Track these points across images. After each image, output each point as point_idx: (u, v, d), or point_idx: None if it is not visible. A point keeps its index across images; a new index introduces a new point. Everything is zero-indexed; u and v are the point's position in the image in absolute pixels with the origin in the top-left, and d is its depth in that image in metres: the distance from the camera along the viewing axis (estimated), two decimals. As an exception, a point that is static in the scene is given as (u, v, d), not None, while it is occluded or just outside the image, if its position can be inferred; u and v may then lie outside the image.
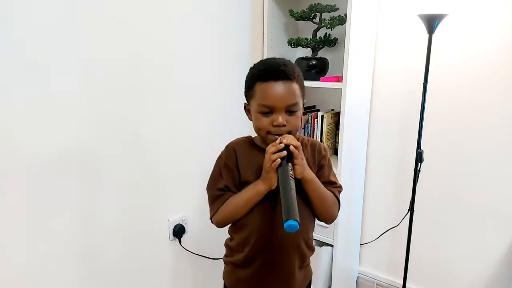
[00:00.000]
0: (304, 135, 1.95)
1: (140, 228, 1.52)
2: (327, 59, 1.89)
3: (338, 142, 1.83)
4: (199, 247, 1.74)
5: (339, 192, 1.16)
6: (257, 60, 1.85)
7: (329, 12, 1.79)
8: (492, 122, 1.65)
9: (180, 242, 1.66)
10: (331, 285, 1.89)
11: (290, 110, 0.99)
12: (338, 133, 1.78)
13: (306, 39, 1.86)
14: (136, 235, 1.50)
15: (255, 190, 1.01)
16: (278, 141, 0.97)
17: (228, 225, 1.13)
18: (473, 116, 1.68)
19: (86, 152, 1.29)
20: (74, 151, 1.25)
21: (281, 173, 0.94)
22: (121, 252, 1.46)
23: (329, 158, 1.16)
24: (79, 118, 1.25)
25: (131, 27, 1.36)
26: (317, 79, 1.82)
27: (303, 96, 1.04)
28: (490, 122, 1.65)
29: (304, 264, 1.14)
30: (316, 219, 1.14)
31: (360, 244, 2.10)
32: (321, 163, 1.13)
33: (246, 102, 1.07)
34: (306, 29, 1.99)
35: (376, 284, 2.08)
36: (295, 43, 1.89)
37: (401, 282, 1.83)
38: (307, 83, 1.81)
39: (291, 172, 0.94)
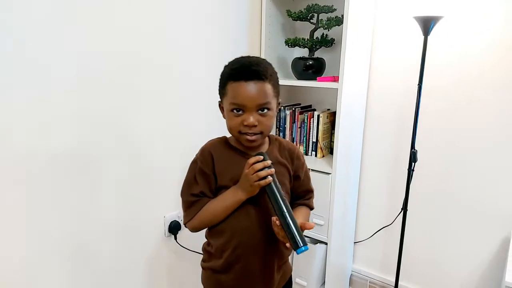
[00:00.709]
0: (300, 134, 1.97)
1: (136, 224, 1.53)
2: (323, 59, 1.91)
3: (333, 141, 1.84)
4: (194, 244, 1.75)
5: (313, 197, 1.21)
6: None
7: (326, 12, 1.81)
8: (486, 122, 1.67)
9: (175, 238, 1.67)
10: (324, 282, 1.91)
11: (261, 110, 0.98)
12: (334, 133, 1.80)
13: (303, 39, 1.88)
14: (132, 231, 1.52)
15: (236, 199, 1.01)
16: (260, 165, 0.96)
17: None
18: (467, 116, 1.71)
19: (82, 150, 1.30)
20: (70, 149, 1.26)
21: (273, 193, 0.95)
22: (117, 248, 1.47)
23: (306, 165, 1.17)
24: (76, 118, 1.26)
25: (130, 27, 1.37)
26: (314, 79, 1.85)
27: (276, 96, 1.03)
28: (484, 121, 1.68)
29: (282, 262, 1.13)
30: None
31: (354, 242, 2.12)
32: (299, 172, 1.13)
33: (220, 100, 1.06)
34: (304, 29, 2.01)
35: (369, 282, 2.11)
36: (292, 43, 1.91)
37: (394, 280, 1.85)
38: (303, 83, 1.85)
39: (282, 192, 0.96)
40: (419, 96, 1.61)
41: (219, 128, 1.69)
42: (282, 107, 2.01)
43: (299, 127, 1.97)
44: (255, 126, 0.98)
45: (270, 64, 1.04)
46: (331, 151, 1.98)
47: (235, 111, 0.98)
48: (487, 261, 1.76)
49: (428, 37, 1.56)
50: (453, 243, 1.84)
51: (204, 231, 1.13)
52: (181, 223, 1.68)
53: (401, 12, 1.79)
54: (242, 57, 1.05)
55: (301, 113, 1.96)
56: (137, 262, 1.56)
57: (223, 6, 1.73)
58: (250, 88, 0.96)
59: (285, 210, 0.93)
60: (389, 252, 2.03)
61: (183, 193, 1.09)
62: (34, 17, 1.11)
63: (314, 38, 1.89)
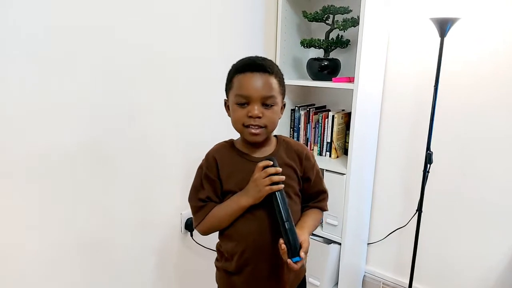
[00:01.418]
0: (315, 134, 1.98)
1: (154, 221, 1.56)
2: (339, 60, 1.92)
3: (348, 142, 1.85)
4: (210, 241, 1.78)
5: (327, 199, 1.19)
6: (270, 59, 1.89)
7: (342, 14, 1.82)
8: (502, 123, 1.66)
9: (191, 235, 1.70)
10: (337, 282, 1.92)
11: (266, 103, 0.99)
12: (348, 133, 1.81)
13: (319, 40, 1.89)
14: (150, 228, 1.55)
15: (239, 206, 1.02)
16: (273, 170, 0.98)
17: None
18: (483, 117, 1.70)
19: (100, 146, 1.33)
20: (88, 146, 1.29)
21: (279, 201, 0.97)
22: (135, 244, 1.51)
23: (317, 165, 1.16)
24: (92, 114, 1.28)
25: (145, 26, 1.39)
26: (329, 79, 1.85)
27: (282, 93, 1.04)
28: (499, 123, 1.67)
29: None
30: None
31: (368, 243, 2.12)
32: (309, 173, 1.12)
33: (226, 98, 1.08)
34: (319, 30, 2.02)
35: (383, 284, 2.11)
36: (308, 44, 1.92)
37: (408, 282, 1.85)
38: (318, 84, 1.86)
39: (286, 199, 0.98)
40: (435, 97, 1.61)
41: (233, 128, 1.72)
42: (296, 108, 2.02)
43: (313, 128, 1.98)
44: (259, 117, 0.98)
45: (276, 65, 1.06)
46: (345, 152, 1.98)
47: (240, 103, 1.00)
48: (502, 263, 1.75)
49: (445, 38, 1.56)
50: (468, 245, 1.82)
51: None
52: (197, 220, 1.71)
53: (417, 13, 1.79)
54: (249, 56, 1.08)
55: (315, 113, 1.97)
56: (154, 257, 1.59)
57: (239, 7, 1.75)
58: (256, 78, 0.98)
59: (286, 221, 0.95)
60: (403, 253, 2.02)
61: (191, 198, 1.11)
62: (45, 14, 1.12)
63: (330, 39, 1.89)
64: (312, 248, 1.93)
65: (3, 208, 1.11)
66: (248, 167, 1.02)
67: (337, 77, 1.87)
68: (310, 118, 1.98)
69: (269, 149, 1.09)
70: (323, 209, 1.18)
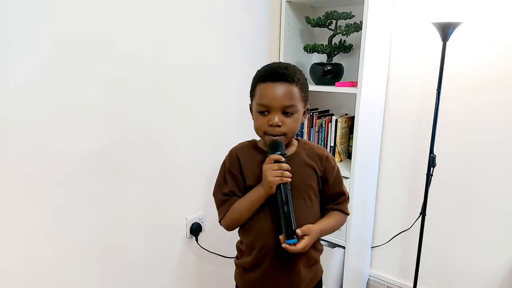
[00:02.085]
0: (318, 139, 1.99)
1: (160, 226, 1.57)
2: (342, 65, 1.93)
3: (351, 146, 1.86)
4: (215, 246, 1.79)
5: (347, 203, 1.19)
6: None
7: (345, 19, 1.83)
8: (505, 126, 1.67)
9: (196, 240, 1.71)
10: (342, 286, 1.92)
11: (286, 112, 1.02)
12: (352, 137, 1.82)
13: (322, 45, 1.91)
14: (156, 232, 1.56)
15: (257, 195, 1.05)
16: (277, 165, 1.01)
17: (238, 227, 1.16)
18: (486, 120, 1.71)
19: (110, 152, 1.35)
20: (99, 152, 1.31)
21: (280, 192, 1.01)
22: (141, 249, 1.52)
23: (338, 168, 1.18)
24: (105, 122, 1.31)
25: (156, 32, 1.42)
26: (332, 84, 1.87)
27: (304, 101, 1.06)
28: (502, 126, 1.68)
29: (311, 263, 1.16)
30: None
31: (372, 247, 2.13)
32: (328, 174, 1.14)
33: (250, 103, 1.11)
34: (322, 35, 2.04)
35: (387, 287, 2.11)
36: (311, 49, 1.94)
37: (412, 285, 1.85)
38: (322, 88, 1.88)
39: (289, 190, 1.01)
40: (437, 101, 1.62)
41: (240, 130, 1.74)
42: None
43: (317, 132, 1.99)
44: (279, 126, 1.01)
45: (300, 71, 1.07)
46: (349, 156, 1.99)
47: (261, 111, 1.03)
48: (506, 266, 1.75)
49: (447, 43, 1.57)
50: (472, 248, 1.83)
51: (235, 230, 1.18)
52: (203, 225, 1.72)
53: (419, 18, 1.80)
54: (273, 62, 1.09)
55: (319, 117, 1.98)
56: (159, 262, 1.60)
57: (244, 13, 1.77)
58: (276, 89, 1.00)
59: (284, 204, 1.00)
60: (407, 257, 2.02)
61: (215, 193, 1.15)
62: (59, 20, 1.15)
63: (333, 44, 1.91)
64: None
65: (16, 213, 1.13)
66: None
67: (340, 81, 1.89)
68: (314, 122, 1.99)
69: (291, 150, 1.12)
70: (344, 211, 1.18)
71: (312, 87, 1.92)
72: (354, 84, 1.76)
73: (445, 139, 1.80)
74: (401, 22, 1.87)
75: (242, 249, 1.17)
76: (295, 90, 1.02)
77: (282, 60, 1.96)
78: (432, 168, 1.68)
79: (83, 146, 1.26)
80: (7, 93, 1.07)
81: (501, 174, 1.71)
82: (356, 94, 1.70)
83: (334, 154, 1.94)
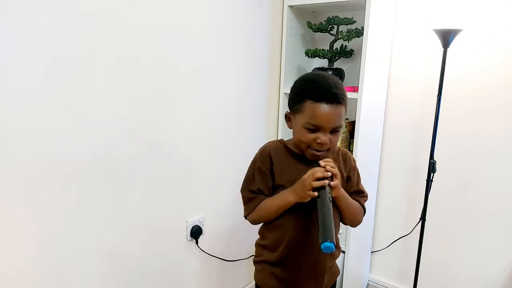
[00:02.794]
0: (319, 143, 2.00)
1: (160, 228, 1.58)
2: (343, 70, 1.94)
3: (352, 150, 1.86)
4: (215, 249, 1.80)
5: (365, 200, 1.23)
6: (275, 69, 1.91)
7: (346, 24, 1.84)
8: (505, 133, 1.68)
9: (197, 243, 1.72)
10: (342, 290, 1.93)
11: (334, 131, 1.04)
12: (352, 142, 1.82)
13: (323, 50, 1.92)
14: (156, 235, 1.57)
15: (286, 200, 1.07)
16: (324, 166, 1.01)
17: (259, 224, 1.20)
18: (486, 126, 1.72)
19: (111, 155, 1.36)
20: (100, 154, 1.32)
21: (321, 196, 0.99)
22: (141, 251, 1.52)
23: (358, 169, 1.22)
24: (106, 123, 1.32)
25: (155, 37, 1.43)
26: (333, 89, 1.87)
27: (346, 114, 1.09)
28: (503, 133, 1.68)
29: (332, 263, 1.20)
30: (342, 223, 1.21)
31: (371, 252, 2.13)
32: (350, 173, 1.19)
33: (289, 111, 1.11)
34: (323, 41, 2.05)
35: (386, 292, 2.11)
36: (312, 53, 1.95)
37: (411, 290, 1.86)
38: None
39: (329, 195, 1.00)
40: (438, 107, 1.63)
41: (241, 132, 1.75)
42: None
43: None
44: (326, 144, 1.03)
45: (341, 82, 1.08)
46: (349, 160, 2.00)
47: (309, 129, 1.03)
48: (507, 271, 1.75)
49: (448, 49, 1.58)
50: (472, 254, 1.83)
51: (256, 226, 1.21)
52: (203, 228, 1.72)
53: (420, 24, 1.81)
54: (317, 75, 1.11)
55: (320, 122, 1.99)
56: (159, 265, 1.61)
57: (245, 18, 1.78)
58: (330, 111, 1.01)
59: (327, 208, 0.96)
60: (406, 262, 2.03)
61: (243, 189, 1.18)
62: (66, 25, 1.17)
63: (334, 49, 1.92)
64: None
65: (15, 215, 1.13)
66: (301, 167, 1.07)
67: (341, 86, 1.89)
68: (314, 126, 2.00)
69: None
70: (363, 205, 1.21)
71: (313, 92, 1.93)
72: (355, 89, 1.77)
73: (445, 145, 1.81)
74: (402, 28, 1.88)
75: (264, 246, 1.18)
76: (343, 110, 1.04)
77: (283, 65, 1.97)
78: (432, 174, 1.69)
79: (83, 148, 1.27)
80: (8, 95, 1.07)
81: (501, 180, 1.71)
82: (356, 99, 1.71)
83: (334, 159, 1.95)
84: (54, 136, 1.19)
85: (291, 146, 1.14)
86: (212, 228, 1.77)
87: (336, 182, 1.02)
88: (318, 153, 1.05)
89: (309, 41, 2.11)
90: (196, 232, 1.69)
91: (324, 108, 1.01)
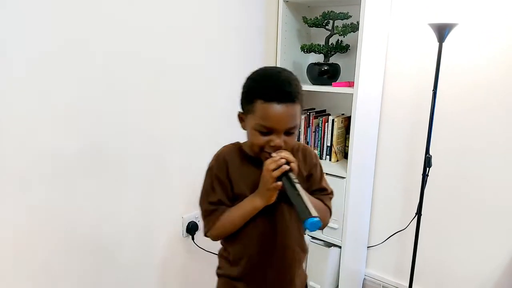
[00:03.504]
0: (315, 138, 2.00)
1: (156, 224, 1.58)
2: (338, 65, 1.94)
3: (348, 146, 1.86)
4: (211, 245, 1.78)
5: (330, 198, 1.13)
6: (270, 64, 1.90)
7: (342, 19, 1.84)
8: (501, 126, 1.68)
9: (193, 239, 1.71)
10: (338, 285, 1.93)
11: (289, 132, 0.95)
12: (348, 137, 1.82)
13: (319, 45, 1.91)
14: (152, 231, 1.56)
15: (253, 206, 0.98)
16: (277, 157, 0.92)
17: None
18: (482, 120, 1.72)
19: (105, 151, 1.35)
20: (93, 151, 1.31)
21: (286, 184, 0.91)
22: (137, 248, 1.52)
23: (320, 165, 1.12)
24: (96, 120, 1.31)
25: (149, 33, 1.42)
26: (329, 84, 1.87)
27: (302, 111, 1.01)
28: (498, 126, 1.69)
29: (300, 269, 1.12)
30: None
31: (368, 247, 2.13)
32: (312, 171, 1.09)
33: (241, 111, 1.01)
34: (319, 36, 2.05)
35: (382, 287, 2.11)
36: (308, 49, 1.94)
37: (407, 285, 1.86)
38: (318, 88, 1.88)
39: (295, 180, 0.91)
40: (433, 101, 1.63)
41: (236, 129, 1.74)
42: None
43: (313, 132, 2.00)
44: (281, 146, 0.95)
45: (296, 78, 0.98)
46: (345, 156, 2.00)
47: (261, 131, 0.94)
48: (502, 266, 1.76)
49: (443, 43, 1.58)
50: (468, 248, 1.84)
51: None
52: (199, 224, 1.72)
53: (416, 19, 1.81)
54: (270, 70, 1.00)
55: (315, 117, 1.99)
56: (155, 260, 1.60)
57: (240, 13, 1.77)
58: (283, 112, 0.92)
59: (297, 191, 0.88)
60: (402, 257, 2.03)
61: (202, 202, 1.07)
62: (60, 21, 1.16)
63: (329, 44, 1.92)
64: (312, 251, 1.95)
65: (6, 212, 1.13)
66: (259, 172, 0.97)
67: (337, 81, 1.89)
68: (310, 122, 2.00)
69: None
70: (326, 204, 1.11)
71: (309, 87, 1.93)
72: (350, 84, 1.77)
73: (441, 140, 1.81)
74: (397, 22, 1.88)
75: (228, 258, 1.09)
76: (298, 108, 0.95)
77: (279, 60, 1.96)
78: (428, 169, 1.69)
79: (76, 145, 1.26)
80: None
81: (497, 174, 1.71)
82: (352, 94, 1.71)
83: (330, 154, 1.95)
84: (46, 132, 1.18)
85: (247, 150, 1.04)
86: (208, 224, 1.77)
87: (293, 165, 0.93)
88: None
89: (305, 36, 2.11)
90: (192, 228, 1.69)
91: (276, 108, 0.91)
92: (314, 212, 0.82)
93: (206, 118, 1.69)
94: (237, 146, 1.08)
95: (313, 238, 1.95)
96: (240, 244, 1.05)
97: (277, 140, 0.93)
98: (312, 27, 1.94)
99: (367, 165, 1.97)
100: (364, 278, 2.16)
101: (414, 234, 1.78)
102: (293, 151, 1.06)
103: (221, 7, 1.66)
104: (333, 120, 1.90)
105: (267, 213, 1.00)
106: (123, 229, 1.46)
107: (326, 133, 1.95)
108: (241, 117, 1.02)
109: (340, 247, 1.86)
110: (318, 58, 2.04)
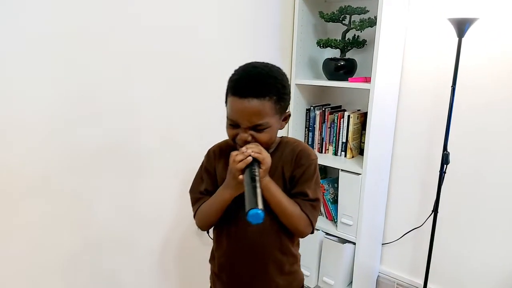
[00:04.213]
0: (330, 134, 1.99)
1: (171, 218, 1.60)
2: (355, 60, 1.92)
3: (363, 142, 1.85)
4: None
5: (312, 206, 1.02)
6: (286, 59, 1.89)
7: (359, 14, 1.82)
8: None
9: (208, 232, 1.72)
10: (351, 282, 1.93)
11: (257, 129, 0.93)
12: (364, 133, 1.81)
13: (335, 40, 1.90)
14: (167, 224, 1.59)
15: (222, 197, 0.99)
16: (244, 149, 0.91)
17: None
18: (501, 118, 1.69)
19: (126, 146, 1.37)
20: (113, 145, 1.33)
21: (246, 175, 0.89)
22: (153, 241, 1.55)
23: (313, 169, 1.04)
24: (121, 117, 1.33)
25: (164, 28, 1.42)
26: (345, 79, 1.86)
27: (280, 111, 0.96)
28: (518, 126, 1.65)
29: (286, 270, 1.08)
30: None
31: (382, 244, 2.12)
32: (295, 172, 1.03)
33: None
34: (335, 31, 2.03)
35: (397, 284, 2.10)
36: (324, 44, 1.93)
37: (422, 283, 1.84)
38: (334, 83, 1.87)
39: (255, 172, 0.89)
40: (452, 97, 1.60)
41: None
42: (312, 107, 2.03)
43: (328, 127, 1.99)
44: (248, 142, 0.94)
45: (276, 76, 0.95)
46: (361, 152, 1.99)
47: (231, 124, 0.96)
48: (520, 266, 1.73)
49: (462, 38, 1.55)
50: (484, 247, 1.81)
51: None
52: (213, 218, 1.73)
53: (434, 13, 1.78)
54: (248, 66, 0.98)
55: (331, 113, 1.97)
56: (171, 255, 1.63)
57: (256, 7, 1.77)
58: (244, 107, 0.91)
59: (251, 181, 0.86)
60: (418, 254, 2.01)
61: (191, 190, 1.12)
62: (71, 20, 1.17)
63: (346, 39, 1.90)
64: (326, 247, 1.94)
65: (25, 207, 1.16)
66: None
67: (353, 77, 1.88)
68: (326, 118, 1.99)
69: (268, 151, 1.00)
70: (302, 209, 1.01)
71: (325, 82, 1.92)
72: (367, 79, 1.75)
73: (459, 136, 1.78)
74: (416, 17, 1.84)
75: (212, 252, 1.15)
76: (267, 105, 0.91)
77: (295, 55, 1.95)
78: (445, 165, 1.67)
79: (95, 136, 1.28)
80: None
81: (516, 173, 1.68)
82: (369, 89, 1.69)
83: (346, 150, 1.94)
84: (62, 127, 1.20)
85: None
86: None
87: (262, 158, 0.90)
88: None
89: (321, 31, 2.09)
90: (207, 222, 1.71)
91: (238, 102, 0.91)
92: (260, 204, 0.79)
93: (223, 116, 1.69)
94: (228, 142, 1.06)
95: (328, 234, 1.95)
96: (216, 240, 1.10)
97: (243, 134, 0.94)
98: (328, 22, 1.93)
99: (383, 161, 1.95)
100: (378, 275, 2.15)
101: (430, 231, 1.76)
102: (281, 148, 1.05)
103: (237, 2, 1.66)
104: (348, 116, 1.89)
105: (242, 211, 0.93)
106: (139, 223, 1.48)
107: (341, 129, 1.93)
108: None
109: (354, 243, 1.85)
110: (335, 53, 2.02)
